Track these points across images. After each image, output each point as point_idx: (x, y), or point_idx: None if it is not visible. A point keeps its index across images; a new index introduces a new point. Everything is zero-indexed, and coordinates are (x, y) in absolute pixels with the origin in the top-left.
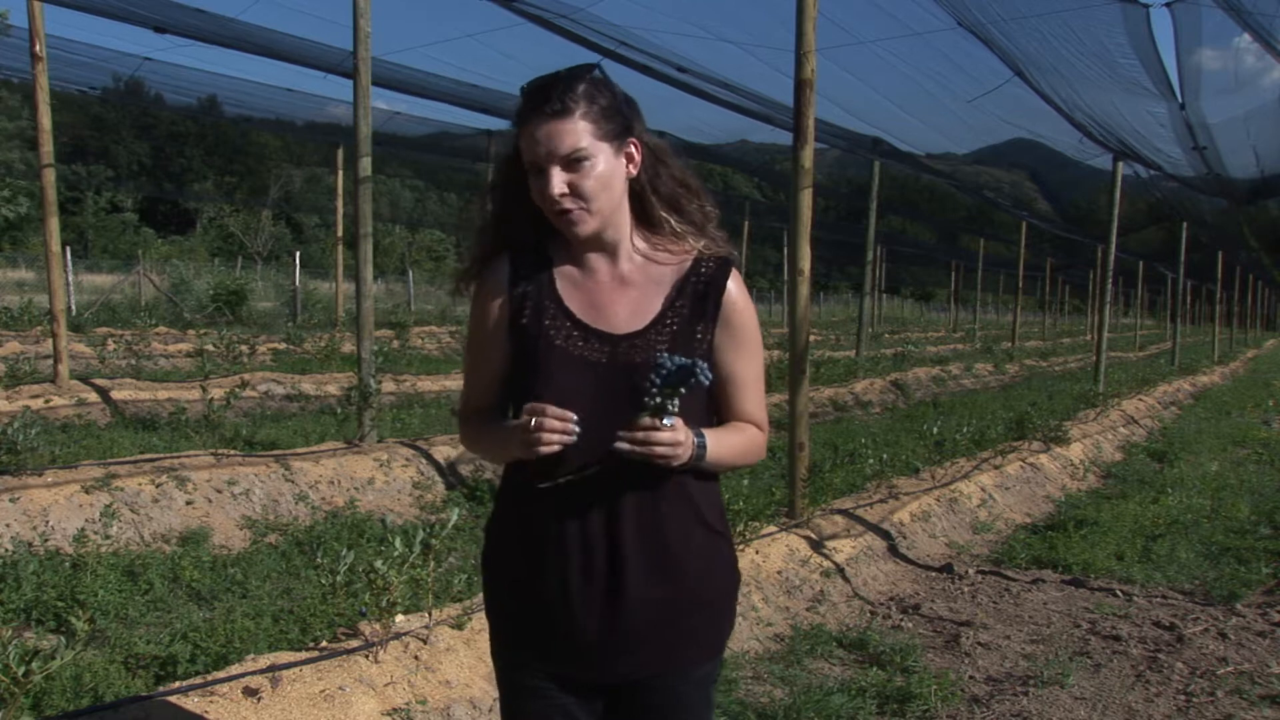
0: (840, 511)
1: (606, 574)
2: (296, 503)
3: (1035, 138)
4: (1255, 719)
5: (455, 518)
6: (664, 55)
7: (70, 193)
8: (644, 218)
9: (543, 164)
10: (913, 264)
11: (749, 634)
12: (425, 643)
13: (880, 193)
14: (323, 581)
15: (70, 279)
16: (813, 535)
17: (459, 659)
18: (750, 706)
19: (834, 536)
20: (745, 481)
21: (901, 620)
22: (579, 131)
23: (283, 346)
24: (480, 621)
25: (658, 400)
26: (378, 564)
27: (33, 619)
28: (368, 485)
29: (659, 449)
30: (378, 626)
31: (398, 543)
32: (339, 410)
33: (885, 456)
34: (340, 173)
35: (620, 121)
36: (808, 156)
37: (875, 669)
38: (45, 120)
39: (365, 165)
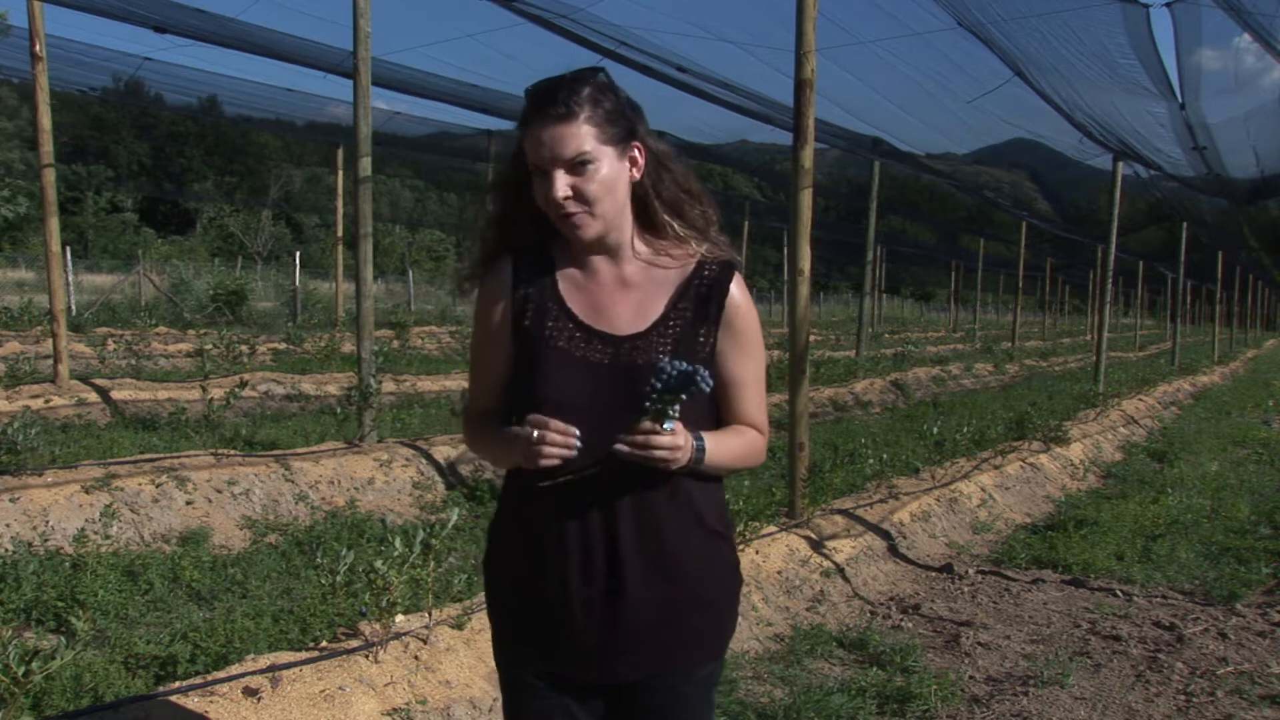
0: (840, 511)
1: (606, 574)
2: (296, 503)
3: (1035, 138)
4: (1255, 719)
5: (455, 518)
6: (664, 55)
7: (70, 193)
8: (647, 221)
9: (547, 167)
10: (913, 264)
11: (749, 634)
12: (425, 643)
13: (880, 193)
14: (323, 581)
15: (70, 279)
16: (813, 535)
17: (459, 659)
18: (750, 706)
19: (834, 536)
20: (746, 481)
21: (901, 620)
22: (583, 135)
23: (283, 346)
24: (480, 621)
25: (658, 405)
26: (378, 564)
27: (33, 619)
28: (368, 485)
29: (658, 453)
30: (378, 626)
31: (398, 543)
32: (339, 410)
33: (885, 456)
34: (340, 173)
35: (624, 125)
36: (808, 156)
37: (875, 669)
38: (45, 120)
39: (365, 165)
